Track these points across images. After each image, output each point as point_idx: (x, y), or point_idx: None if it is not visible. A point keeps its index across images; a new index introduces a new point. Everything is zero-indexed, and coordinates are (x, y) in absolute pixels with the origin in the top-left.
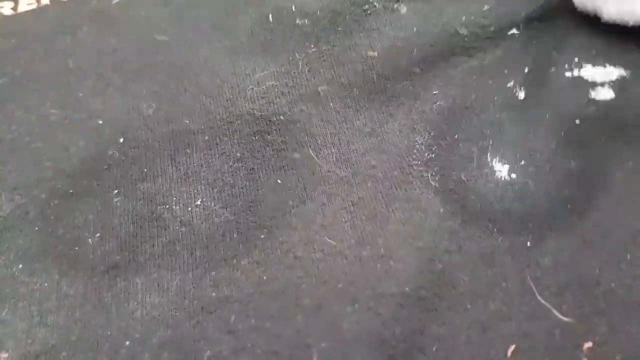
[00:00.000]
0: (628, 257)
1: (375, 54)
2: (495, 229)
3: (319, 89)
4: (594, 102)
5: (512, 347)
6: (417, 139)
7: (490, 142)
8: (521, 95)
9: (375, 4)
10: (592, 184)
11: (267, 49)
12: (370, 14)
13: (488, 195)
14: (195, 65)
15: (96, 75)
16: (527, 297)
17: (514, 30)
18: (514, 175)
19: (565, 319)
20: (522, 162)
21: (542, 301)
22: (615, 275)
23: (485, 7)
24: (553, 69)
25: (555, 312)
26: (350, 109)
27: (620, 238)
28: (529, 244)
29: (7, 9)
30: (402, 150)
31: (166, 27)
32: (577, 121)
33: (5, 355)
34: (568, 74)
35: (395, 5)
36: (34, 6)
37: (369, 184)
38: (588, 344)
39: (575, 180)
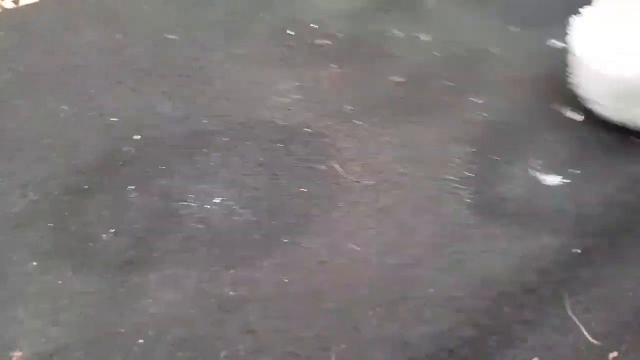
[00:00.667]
0: None
1: (402, 79)
2: (542, 230)
3: (345, 108)
4: None
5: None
6: (455, 150)
7: (539, 163)
8: (579, 118)
9: (395, 32)
10: None
11: (286, 63)
12: (391, 41)
13: (534, 199)
14: (209, 68)
15: (104, 73)
16: (558, 309)
17: (555, 41)
18: (567, 180)
19: (593, 341)
20: (577, 172)
21: (571, 315)
22: None
23: (514, 29)
24: None
25: (583, 331)
26: (377, 126)
27: None
28: (576, 250)
29: (8, 2)
30: (437, 160)
31: (175, 26)
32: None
33: (19, 354)
34: None
35: (416, 34)
36: None
37: (395, 192)
38: (613, 354)
39: (637, 188)
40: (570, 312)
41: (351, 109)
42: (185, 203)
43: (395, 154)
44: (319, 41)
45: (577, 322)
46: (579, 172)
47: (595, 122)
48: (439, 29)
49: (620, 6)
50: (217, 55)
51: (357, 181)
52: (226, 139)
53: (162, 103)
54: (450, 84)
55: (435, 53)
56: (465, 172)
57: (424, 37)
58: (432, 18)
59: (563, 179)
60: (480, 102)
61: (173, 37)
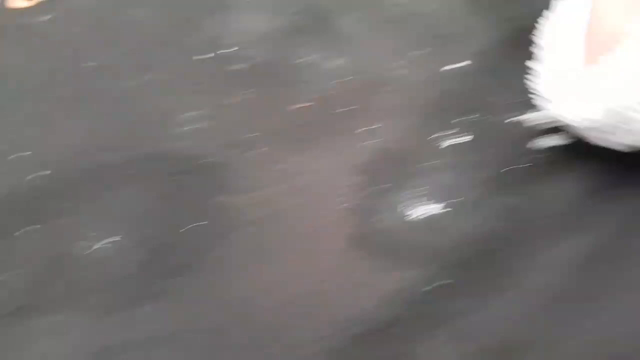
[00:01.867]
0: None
1: (309, 104)
2: (406, 263)
3: (249, 135)
4: (544, 149)
5: None
6: (345, 179)
7: (424, 187)
8: (467, 139)
9: (310, 57)
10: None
11: (199, 89)
12: (305, 66)
13: (413, 229)
14: (124, 97)
15: (19, 102)
16: (425, 342)
17: (462, 64)
18: (442, 211)
19: None
20: (453, 200)
21: (439, 348)
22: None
23: (424, 51)
24: (497, 112)
25: None
26: (280, 152)
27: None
28: (439, 284)
29: None
30: (328, 189)
31: (97, 51)
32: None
33: None
34: (511, 119)
35: (330, 59)
36: None
37: (283, 225)
38: None
39: (503, 217)
40: (437, 345)
41: (255, 136)
42: (84, 243)
43: (289, 184)
44: (234, 66)
45: (444, 354)
46: (461, 199)
47: (482, 147)
48: (352, 53)
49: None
50: (132, 82)
51: (252, 214)
52: (132, 172)
53: (73, 136)
54: (355, 108)
55: (346, 77)
56: (353, 202)
57: (336, 61)
58: (346, 42)
59: (443, 208)
60: (376, 126)
61: (92, 64)
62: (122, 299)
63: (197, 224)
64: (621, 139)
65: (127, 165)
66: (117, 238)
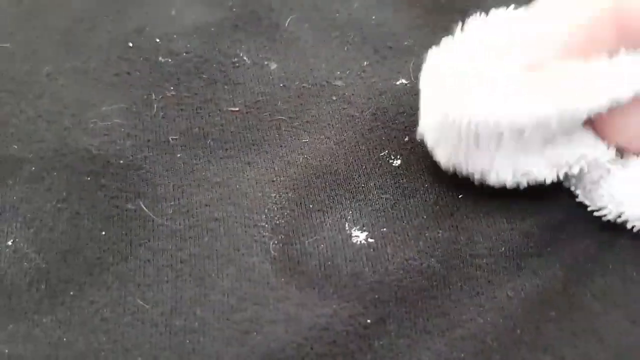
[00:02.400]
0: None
1: (237, 109)
2: (336, 296)
3: (170, 138)
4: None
5: None
6: (272, 194)
7: (350, 213)
8: (396, 162)
9: (244, 57)
10: (456, 259)
11: (120, 81)
12: (238, 67)
13: (336, 258)
14: (37, 82)
15: None
16: None
17: (403, 80)
18: (371, 240)
19: None
20: (384, 229)
21: None
22: None
23: (365, 63)
24: None
25: None
26: (200, 159)
27: (460, 335)
28: (369, 321)
29: None
30: (253, 204)
31: (12, 31)
32: (462, 195)
33: None
34: None
35: (266, 62)
36: None
37: (205, 239)
38: None
39: (439, 252)
40: None
41: (175, 139)
42: None
43: (211, 195)
44: (161, 58)
45: None
46: (384, 229)
47: (415, 173)
48: (290, 58)
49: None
50: (48, 68)
51: (164, 224)
52: (34, 168)
53: None
54: (284, 118)
55: (280, 83)
56: (277, 220)
57: (272, 65)
58: (286, 45)
59: (368, 236)
60: (305, 140)
61: (6, 45)
62: (11, 311)
63: (106, 231)
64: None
65: (31, 161)
66: (9, 242)
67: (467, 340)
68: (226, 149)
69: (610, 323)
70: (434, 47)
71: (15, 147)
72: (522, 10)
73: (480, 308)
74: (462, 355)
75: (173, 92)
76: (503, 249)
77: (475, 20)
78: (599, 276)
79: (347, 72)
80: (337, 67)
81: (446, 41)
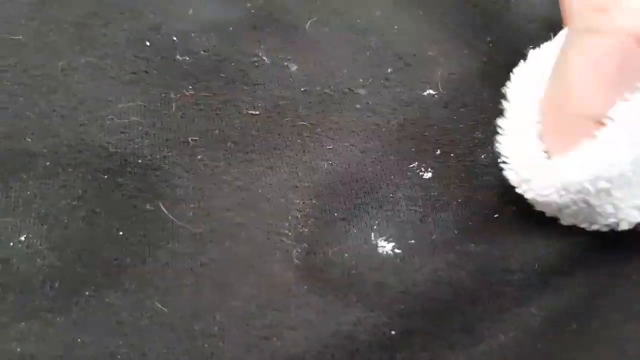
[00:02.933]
0: None
1: (257, 112)
2: (360, 305)
3: (189, 138)
4: (507, 188)
5: None
6: (296, 201)
7: (377, 222)
8: (427, 175)
9: (264, 57)
10: (487, 273)
11: (137, 79)
12: (257, 67)
13: (360, 266)
14: (51, 77)
15: None
16: None
17: (430, 91)
18: (398, 251)
19: None
20: (412, 241)
21: None
22: None
23: (389, 70)
24: (462, 149)
25: None
26: (221, 162)
27: (485, 351)
28: (393, 332)
29: None
30: (276, 210)
31: (24, 23)
32: (496, 214)
33: None
34: (483, 155)
35: (285, 63)
36: None
37: (226, 244)
38: None
39: (471, 264)
40: None
41: (195, 140)
42: None
43: (233, 199)
44: (179, 57)
45: None
46: (412, 242)
47: (443, 185)
48: (310, 60)
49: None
50: (63, 62)
51: (184, 227)
52: (48, 163)
53: None
54: (306, 124)
55: (300, 87)
56: (300, 228)
57: (293, 67)
58: (306, 48)
59: (394, 247)
60: (330, 147)
61: (18, 37)
62: (23, 308)
63: (123, 232)
64: (582, 223)
65: (45, 156)
66: (22, 237)
67: (487, 356)
68: (247, 152)
69: (632, 333)
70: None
71: (29, 140)
72: None
73: (504, 324)
74: None
75: (192, 92)
76: (536, 265)
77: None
78: (620, 288)
79: (370, 80)
80: (359, 73)
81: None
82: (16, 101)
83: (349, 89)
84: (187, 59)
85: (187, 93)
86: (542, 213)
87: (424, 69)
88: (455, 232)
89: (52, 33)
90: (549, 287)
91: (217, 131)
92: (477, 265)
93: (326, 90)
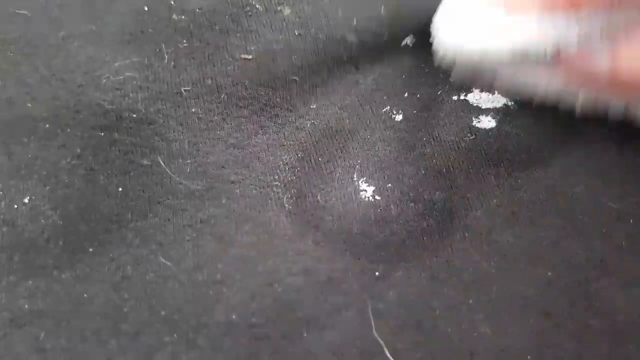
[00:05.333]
0: (470, 301)
1: (250, 56)
2: (348, 252)
3: (182, 89)
4: (475, 129)
5: None
6: (283, 157)
7: (359, 162)
8: (398, 117)
9: (257, 5)
10: (452, 219)
11: (133, 39)
12: (250, 15)
13: (347, 216)
14: (52, 45)
15: None
16: (364, 330)
17: (407, 41)
18: (378, 197)
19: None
20: (389, 185)
21: (377, 337)
22: (454, 319)
23: (382, 11)
24: (439, 91)
25: (387, 352)
26: (215, 116)
27: (467, 280)
28: (377, 273)
29: None
30: (266, 167)
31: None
32: (454, 149)
33: None
34: (454, 97)
35: (279, 7)
36: None
37: (223, 201)
38: None
39: (437, 212)
40: (376, 335)
41: (188, 91)
42: None
43: (227, 157)
44: (175, 17)
45: (382, 344)
46: (389, 185)
47: (414, 126)
48: (305, 1)
49: None
50: (64, 31)
51: (182, 184)
52: (48, 125)
53: None
54: (296, 79)
55: (294, 31)
56: (289, 178)
57: (286, 10)
58: None
59: (375, 193)
60: (313, 107)
61: (24, 12)
62: (30, 266)
63: (122, 187)
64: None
65: (45, 119)
66: (26, 199)
67: (473, 285)
68: (240, 107)
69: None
70: None
71: (30, 105)
72: None
73: (483, 253)
74: (470, 301)
75: (185, 44)
76: (495, 200)
77: None
78: None
79: (364, 23)
80: (353, 15)
81: None
82: (18, 69)
83: (341, 35)
84: (183, 17)
85: (181, 46)
86: (500, 156)
87: (410, 16)
88: (423, 173)
89: (58, 8)
90: (518, 219)
91: (209, 81)
92: (443, 211)
93: (320, 36)
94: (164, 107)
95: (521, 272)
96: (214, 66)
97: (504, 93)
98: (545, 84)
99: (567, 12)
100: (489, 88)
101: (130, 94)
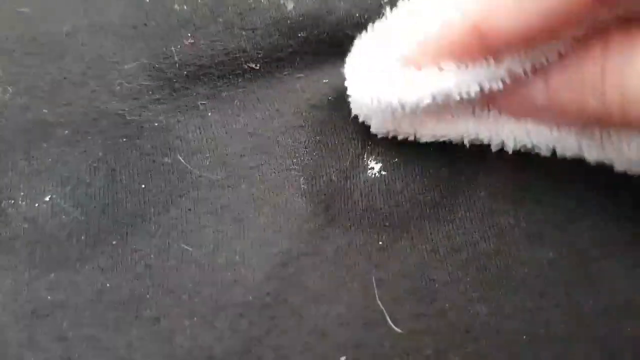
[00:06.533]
0: (468, 279)
1: (257, 66)
2: (353, 228)
3: (199, 103)
4: None
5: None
6: (302, 140)
7: (370, 144)
8: None
9: None
10: (456, 196)
11: (137, 33)
12: (254, 9)
13: (354, 193)
14: (57, 42)
15: None
16: (368, 300)
17: None
18: (384, 173)
19: (396, 329)
20: (395, 160)
21: (380, 305)
22: (452, 295)
23: (384, 0)
24: None
25: (388, 319)
26: (230, 116)
27: (467, 257)
28: (380, 243)
29: None
30: (285, 150)
31: None
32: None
33: None
34: None
35: (282, 1)
36: None
37: (242, 187)
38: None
39: (442, 187)
40: (379, 303)
41: (204, 104)
42: (14, 201)
43: (245, 145)
44: (177, 6)
45: (385, 312)
46: (396, 160)
47: None
48: None
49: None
50: (67, 27)
51: (202, 176)
52: (67, 131)
53: (3, 88)
54: (302, 76)
55: (298, 33)
56: (306, 161)
57: (289, 4)
58: None
59: (382, 169)
60: (325, 81)
61: (25, 10)
62: (52, 260)
63: (145, 184)
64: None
65: (62, 125)
66: (46, 198)
67: (468, 262)
68: (253, 104)
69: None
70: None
71: (45, 111)
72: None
73: (483, 232)
74: (468, 278)
75: (191, 40)
76: (500, 183)
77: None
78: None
79: (366, 16)
80: (355, 7)
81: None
82: (29, 71)
83: (343, 32)
84: (186, 7)
85: (186, 42)
86: None
87: None
88: (431, 149)
89: (57, 3)
90: (524, 198)
91: (224, 94)
92: (448, 186)
93: (322, 36)
94: (183, 117)
95: (520, 253)
96: (225, 79)
97: (430, 139)
98: (471, 129)
99: (488, 61)
100: (412, 136)
101: (149, 106)
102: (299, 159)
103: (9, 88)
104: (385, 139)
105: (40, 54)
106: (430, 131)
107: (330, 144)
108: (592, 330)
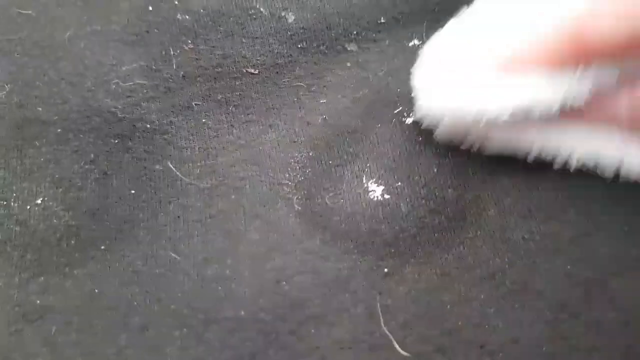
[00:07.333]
0: (482, 296)
1: (256, 72)
2: (356, 251)
3: (193, 103)
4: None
5: None
6: (295, 155)
7: (368, 165)
8: (409, 120)
9: (261, 9)
10: (465, 217)
11: (139, 40)
12: (255, 19)
13: (355, 216)
14: (58, 46)
15: None
16: (373, 326)
17: (415, 42)
18: (387, 196)
19: (404, 353)
20: (399, 184)
21: (386, 331)
22: (464, 314)
23: (382, 20)
24: None
25: (396, 346)
26: (224, 124)
27: (478, 276)
28: (386, 270)
29: None
30: (276, 164)
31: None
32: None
33: None
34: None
35: (282, 13)
36: None
37: (232, 197)
38: None
39: (449, 210)
40: (385, 329)
41: (198, 105)
42: (6, 203)
43: (237, 156)
44: (179, 16)
45: (391, 337)
46: (399, 184)
47: (426, 128)
48: (308, 9)
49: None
50: (70, 32)
51: (192, 184)
52: (60, 130)
53: (0, 88)
54: (302, 85)
55: (298, 44)
56: (299, 177)
57: (290, 17)
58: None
59: (384, 192)
60: (323, 101)
61: (27, 12)
62: (42, 264)
63: (135, 190)
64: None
65: (55, 123)
66: (38, 200)
67: (485, 280)
68: (248, 114)
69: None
70: (438, 31)
71: (40, 109)
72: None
73: (496, 249)
74: (482, 296)
75: (191, 46)
76: (509, 199)
77: (480, 3)
78: None
79: (364, 32)
80: (352, 24)
81: (450, 25)
82: (26, 71)
83: (342, 46)
84: (187, 17)
85: (186, 47)
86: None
87: (414, 18)
88: (435, 171)
89: (61, 7)
90: (533, 215)
91: (219, 95)
92: (455, 208)
93: (321, 48)
94: (177, 119)
95: (536, 266)
96: (222, 80)
97: (495, 152)
98: (542, 139)
99: (577, 68)
100: (477, 148)
101: (142, 104)
102: (291, 174)
103: (6, 86)
104: (383, 161)
105: (40, 55)
106: (498, 142)
107: (324, 162)
108: (613, 343)
